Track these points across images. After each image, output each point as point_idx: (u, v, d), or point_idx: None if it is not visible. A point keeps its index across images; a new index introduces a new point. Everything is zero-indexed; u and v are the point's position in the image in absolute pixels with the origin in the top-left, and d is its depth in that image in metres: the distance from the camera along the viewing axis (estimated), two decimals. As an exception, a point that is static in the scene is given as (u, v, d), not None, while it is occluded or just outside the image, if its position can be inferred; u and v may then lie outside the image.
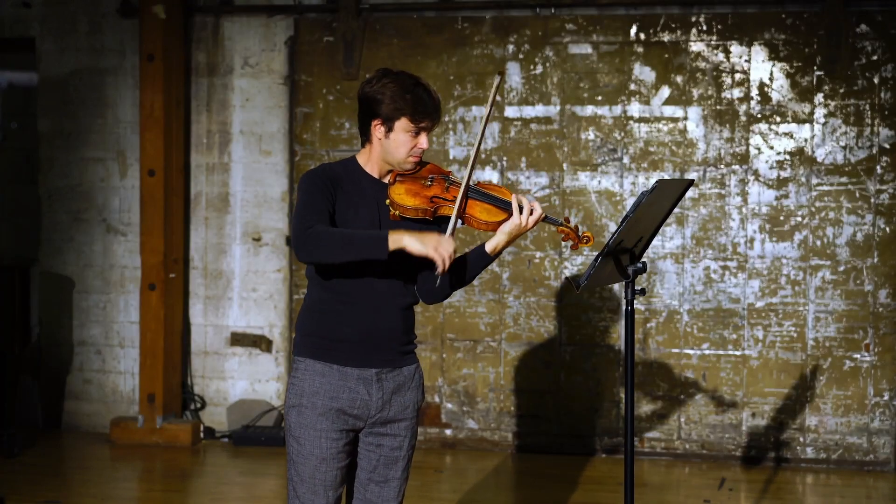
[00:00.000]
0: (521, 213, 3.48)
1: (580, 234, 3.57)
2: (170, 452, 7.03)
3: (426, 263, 3.44)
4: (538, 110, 7.04)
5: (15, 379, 6.82)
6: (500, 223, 3.51)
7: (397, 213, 3.48)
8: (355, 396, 3.50)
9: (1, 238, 8.35)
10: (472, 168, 3.49)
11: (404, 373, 3.59)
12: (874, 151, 6.74)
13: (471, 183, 3.52)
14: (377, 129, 3.50)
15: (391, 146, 3.49)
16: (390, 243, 3.30)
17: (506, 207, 3.51)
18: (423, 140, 3.50)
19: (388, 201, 3.48)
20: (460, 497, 6.15)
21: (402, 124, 3.46)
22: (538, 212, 3.49)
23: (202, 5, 7.36)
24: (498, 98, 7.04)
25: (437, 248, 3.31)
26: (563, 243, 6.99)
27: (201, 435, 7.31)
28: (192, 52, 7.37)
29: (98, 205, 7.47)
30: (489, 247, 3.53)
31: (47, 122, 7.51)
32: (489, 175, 7.02)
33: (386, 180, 3.56)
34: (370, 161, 3.56)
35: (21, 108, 8.03)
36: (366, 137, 3.56)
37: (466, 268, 3.57)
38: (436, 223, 3.56)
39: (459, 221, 3.50)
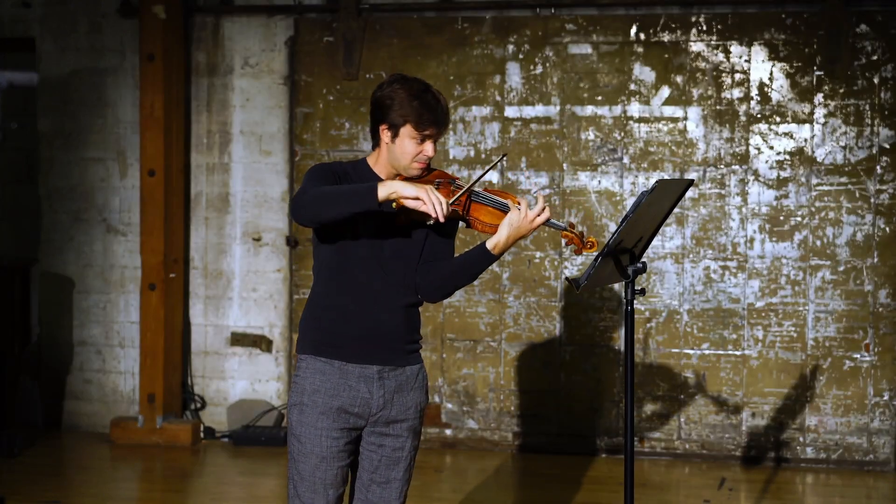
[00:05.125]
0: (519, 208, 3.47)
1: (584, 240, 3.55)
2: (170, 452, 7.03)
3: (426, 252, 3.52)
4: (538, 110, 7.03)
5: (15, 379, 6.82)
6: None
7: (404, 216, 3.48)
8: (356, 395, 3.50)
9: (1, 238, 8.35)
10: (481, 177, 3.53)
11: (407, 372, 3.58)
12: (874, 151, 6.74)
13: (477, 189, 3.52)
14: (384, 134, 3.51)
15: (396, 151, 3.50)
16: (380, 191, 3.28)
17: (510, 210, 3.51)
18: (428, 147, 3.50)
19: (394, 205, 3.45)
20: (460, 497, 6.14)
21: (406, 131, 3.47)
22: (540, 206, 3.46)
23: (202, 5, 7.36)
24: (500, 97, 7.04)
25: (430, 192, 3.29)
26: (564, 246, 6.99)
27: (201, 435, 7.31)
28: (192, 52, 7.37)
29: (98, 205, 7.46)
30: (490, 244, 3.50)
31: (47, 122, 7.51)
32: (489, 175, 7.01)
33: None
34: (379, 163, 3.57)
35: (21, 108, 8.03)
36: (375, 141, 3.58)
37: (467, 265, 3.56)
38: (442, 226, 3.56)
39: (464, 223, 3.52)
